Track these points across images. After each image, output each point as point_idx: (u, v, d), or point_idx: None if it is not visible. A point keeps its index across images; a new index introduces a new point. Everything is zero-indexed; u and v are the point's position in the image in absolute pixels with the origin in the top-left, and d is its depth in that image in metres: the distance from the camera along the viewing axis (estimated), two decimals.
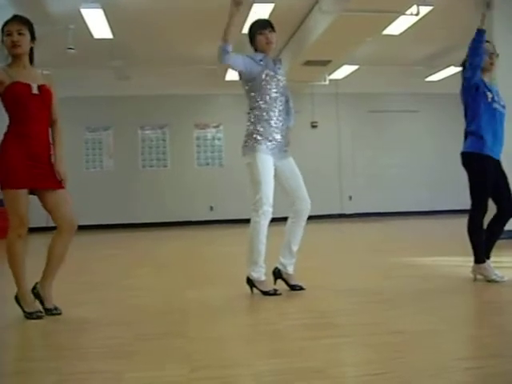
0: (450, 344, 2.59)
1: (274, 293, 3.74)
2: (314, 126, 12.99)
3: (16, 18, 3.37)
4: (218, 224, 12.22)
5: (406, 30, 8.51)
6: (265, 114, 3.79)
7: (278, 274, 3.92)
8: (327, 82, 11.66)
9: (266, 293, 3.73)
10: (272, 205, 3.71)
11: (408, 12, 7.53)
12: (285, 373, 2.20)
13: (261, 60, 3.82)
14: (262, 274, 3.76)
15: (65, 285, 3.49)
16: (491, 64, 4.14)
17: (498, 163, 4.11)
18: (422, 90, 12.64)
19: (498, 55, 4.22)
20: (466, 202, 4.26)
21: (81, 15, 7.65)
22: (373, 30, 8.17)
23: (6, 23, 3.35)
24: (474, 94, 4.03)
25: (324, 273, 4.90)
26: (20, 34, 3.31)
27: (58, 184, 3.37)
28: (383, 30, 8.22)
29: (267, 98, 3.80)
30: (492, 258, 4.11)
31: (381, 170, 13.12)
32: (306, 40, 8.93)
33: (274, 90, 3.82)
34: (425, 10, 7.69)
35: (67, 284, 3.53)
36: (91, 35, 8.54)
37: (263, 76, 3.79)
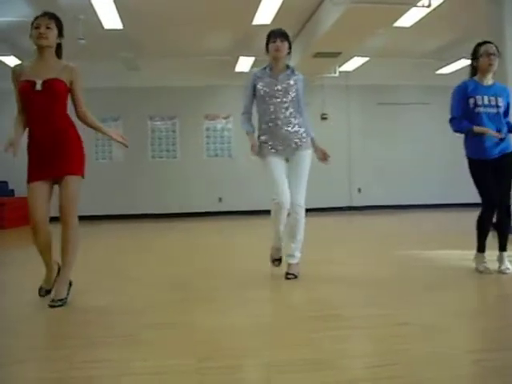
0: (458, 336, 2.59)
1: (273, 261, 4.36)
2: (324, 118, 12.93)
3: (46, 14, 3.45)
4: (227, 215, 12.24)
5: (417, 22, 8.45)
6: (264, 124, 4.13)
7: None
8: (337, 74, 11.61)
9: (272, 261, 4.37)
10: (280, 194, 3.99)
11: (420, 4, 7.47)
12: (292, 364, 2.21)
13: (258, 76, 4.12)
14: (276, 243, 4.27)
15: (73, 274, 3.52)
16: (490, 65, 4.13)
17: (493, 161, 4.12)
18: (432, 83, 12.54)
19: (499, 55, 4.17)
20: (476, 196, 4.25)
21: (91, 5, 7.67)
22: (384, 22, 8.12)
23: (36, 18, 3.43)
24: None
25: (332, 265, 4.90)
26: (48, 27, 3.40)
27: (63, 171, 3.39)
28: (394, 21, 8.16)
29: (262, 110, 4.14)
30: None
31: (391, 163, 13.06)
32: (316, 31, 8.89)
33: (271, 102, 4.08)
34: (436, 1, 7.64)
35: (75, 273, 3.55)
36: (101, 26, 8.55)
37: (259, 89, 4.10)
